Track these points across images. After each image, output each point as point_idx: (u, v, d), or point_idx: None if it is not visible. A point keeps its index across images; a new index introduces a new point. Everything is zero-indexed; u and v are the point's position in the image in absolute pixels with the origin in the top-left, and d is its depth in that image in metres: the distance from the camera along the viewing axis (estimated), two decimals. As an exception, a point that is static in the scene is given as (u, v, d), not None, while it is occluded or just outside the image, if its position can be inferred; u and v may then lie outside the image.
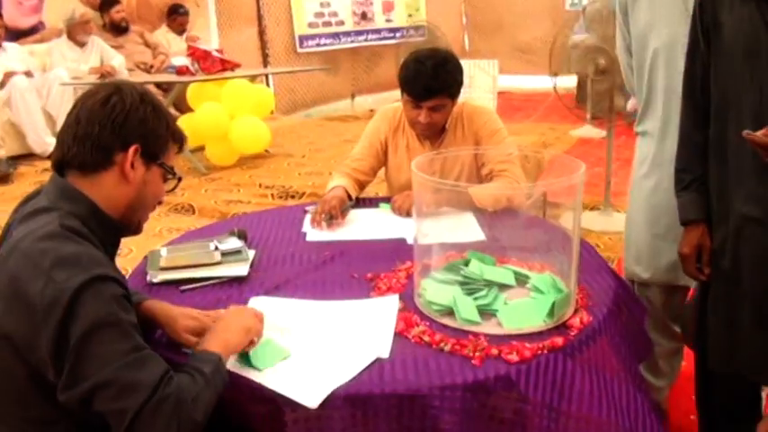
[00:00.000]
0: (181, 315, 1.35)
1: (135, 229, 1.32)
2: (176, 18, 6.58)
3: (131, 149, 1.23)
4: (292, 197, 3.44)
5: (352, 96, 8.35)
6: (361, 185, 2.40)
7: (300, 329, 1.44)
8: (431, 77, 2.10)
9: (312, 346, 1.37)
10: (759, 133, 1.41)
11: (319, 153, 4.61)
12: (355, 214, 2.18)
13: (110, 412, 1.07)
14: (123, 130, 1.23)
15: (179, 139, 1.34)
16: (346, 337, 1.41)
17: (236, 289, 1.64)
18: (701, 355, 1.75)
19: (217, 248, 1.77)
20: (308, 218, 2.18)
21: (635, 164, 2.14)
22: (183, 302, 1.50)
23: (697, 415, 1.90)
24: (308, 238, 2.01)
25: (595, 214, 4.21)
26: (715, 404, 1.81)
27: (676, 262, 1.85)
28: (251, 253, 1.82)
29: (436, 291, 1.55)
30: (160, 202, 1.36)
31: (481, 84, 3.29)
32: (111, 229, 1.26)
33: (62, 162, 1.24)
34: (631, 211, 2.12)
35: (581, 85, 6.11)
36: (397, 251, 1.88)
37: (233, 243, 1.80)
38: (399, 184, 2.40)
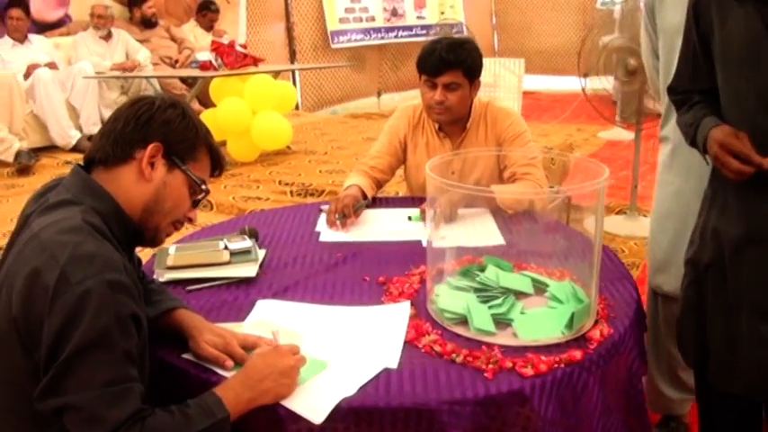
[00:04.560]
0: (208, 329, 1.30)
1: (152, 236, 1.26)
2: (207, 14, 6.58)
3: (150, 146, 1.19)
4: (311, 194, 3.39)
5: (379, 94, 8.30)
6: (379, 184, 2.35)
7: (310, 336, 1.38)
8: (445, 51, 2.07)
9: (320, 355, 1.31)
10: (765, 162, 1.35)
11: (341, 150, 4.56)
12: (372, 214, 2.12)
13: None
14: (146, 127, 1.20)
15: (215, 153, 1.29)
16: (354, 346, 1.35)
17: (243, 291, 1.60)
18: (700, 370, 1.66)
19: (226, 248, 1.72)
20: (322, 217, 2.13)
21: (658, 169, 2.06)
22: (189, 303, 1.45)
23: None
24: (322, 239, 1.95)
25: (621, 218, 4.10)
26: (716, 421, 1.72)
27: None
28: (261, 253, 1.77)
29: (450, 298, 1.48)
30: (190, 220, 1.30)
31: (507, 83, 3.23)
32: (129, 230, 1.22)
33: (90, 158, 1.23)
34: (654, 217, 2.04)
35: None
36: (412, 254, 1.82)
37: (243, 242, 1.76)
38: (418, 183, 2.35)
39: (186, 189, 1.25)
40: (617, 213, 4.19)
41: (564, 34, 9.26)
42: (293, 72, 6.87)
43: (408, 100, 8.76)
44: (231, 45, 4.53)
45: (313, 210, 2.23)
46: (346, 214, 2.01)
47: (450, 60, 2.06)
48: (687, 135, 1.57)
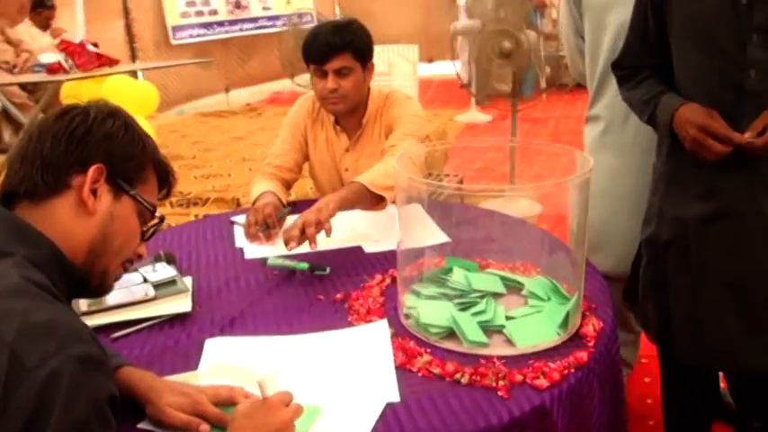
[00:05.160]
0: (168, 389, 1.05)
1: (99, 284, 0.99)
2: (42, 12, 5.86)
3: (92, 169, 0.93)
4: (195, 204, 3.09)
5: (227, 90, 7.92)
6: (289, 185, 2.14)
7: (285, 376, 1.17)
8: (330, 34, 1.90)
9: (306, 399, 1.10)
10: (747, 136, 1.33)
11: (210, 153, 4.21)
12: (290, 221, 1.91)
13: None
14: (83, 144, 0.93)
15: (162, 171, 1.03)
16: (342, 381, 1.16)
17: (181, 330, 1.34)
18: (664, 346, 1.66)
19: (146, 280, 1.45)
20: (237, 230, 1.89)
21: (586, 149, 2.04)
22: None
23: (662, 402, 1.82)
24: (247, 256, 1.72)
25: (501, 201, 4.15)
26: (679, 392, 1.74)
27: (628, 252, 1.76)
28: (187, 281, 1.52)
29: (429, 310, 1.33)
30: (140, 256, 1.04)
31: (401, 71, 3.12)
32: (72, 281, 0.94)
33: (8, 191, 0.93)
34: None
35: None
36: (356, 263, 1.65)
37: (164, 271, 1.49)
38: (323, 182, 2.16)
39: (136, 219, 0.99)
40: (495, 198, 4.24)
41: (407, 20, 9.35)
42: (135, 72, 6.33)
43: (258, 96, 8.49)
44: (82, 45, 4.03)
45: (222, 223, 1.98)
46: (270, 225, 1.79)
47: (336, 44, 1.89)
48: (643, 112, 1.53)
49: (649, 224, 1.60)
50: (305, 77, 8.16)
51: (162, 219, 1.04)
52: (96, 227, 0.94)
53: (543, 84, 5.02)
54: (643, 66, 1.54)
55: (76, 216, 0.92)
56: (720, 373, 1.80)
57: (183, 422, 1.01)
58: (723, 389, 1.93)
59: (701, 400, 1.69)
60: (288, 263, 1.55)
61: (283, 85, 8.57)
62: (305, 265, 1.52)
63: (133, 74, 4.49)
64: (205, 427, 1.01)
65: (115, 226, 0.95)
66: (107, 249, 0.95)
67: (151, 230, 1.03)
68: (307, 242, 1.60)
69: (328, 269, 1.49)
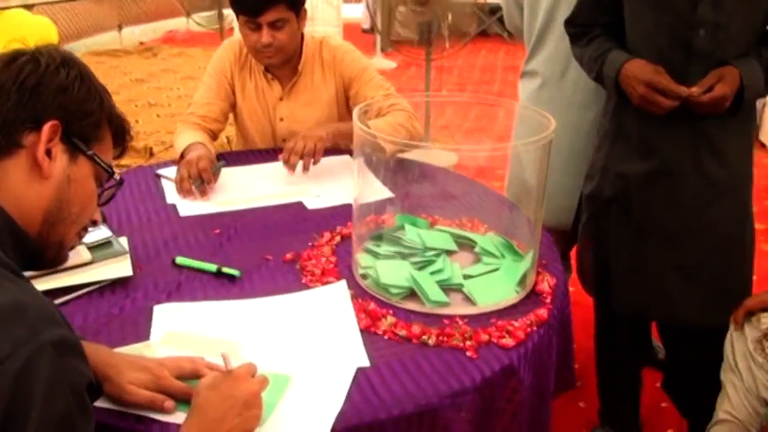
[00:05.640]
0: (126, 365, 0.96)
1: (54, 255, 0.89)
2: None
3: (47, 127, 0.81)
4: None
5: (119, 28, 7.39)
6: (215, 136, 2.03)
7: (247, 344, 1.12)
8: None
9: (273, 367, 1.06)
10: (694, 90, 1.37)
11: (115, 97, 3.92)
12: (229, 175, 1.82)
13: None
14: (34, 98, 0.81)
15: (118, 127, 0.93)
16: (307, 346, 1.13)
17: (124, 297, 1.25)
18: (602, 299, 1.73)
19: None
20: (167, 185, 1.78)
21: (520, 103, 2.05)
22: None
23: (596, 351, 1.91)
24: (183, 213, 1.62)
25: (421, 152, 4.14)
26: (613, 342, 1.83)
27: (563, 206, 1.81)
28: (123, 242, 1.41)
29: (387, 270, 1.31)
30: (95, 222, 0.93)
31: (325, 15, 2.97)
32: (27, 252, 0.83)
33: None
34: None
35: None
36: (300, 221, 1.59)
37: (98, 232, 1.38)
38: (252, 132, 2.06)
39: (93, 182, 0.89)
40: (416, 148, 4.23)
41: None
42: (31, 8, 5.76)
43: (151, 34, 7.99)
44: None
45: (147, 176, 1.86)
46: (205, 180, 1.69)
47: None
48: (591, 70, 1.54)
49: (591, 180, 1.63)
50: (204, 16, 7.75)
51: (121, 181, 0.95)
52: (52, 192, 0.83)
53: (446, 32, 4.99)
54: (595, 24, 1.55)
55: (29, 180, 0.82)
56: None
57: (147, 399, 0.95)
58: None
59: (633, 349, 1.78)
60: (195, 263, 1.36)
61: (179, 23, 8.11)
62: (213, 267, 1.34)
63: (29, 9, 4.06)
64: (170, 403, 0.96)
65: (72, 191, 0.85)
66: (64, 217, 0.86)
67: (110, 195, 0.94)
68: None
69: (239, 272, 1.32)
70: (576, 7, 1.58)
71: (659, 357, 2.04)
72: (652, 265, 1.55)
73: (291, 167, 1.76)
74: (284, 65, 1.95)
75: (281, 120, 2.00)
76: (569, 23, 1.60)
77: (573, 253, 2.10)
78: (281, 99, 1.99)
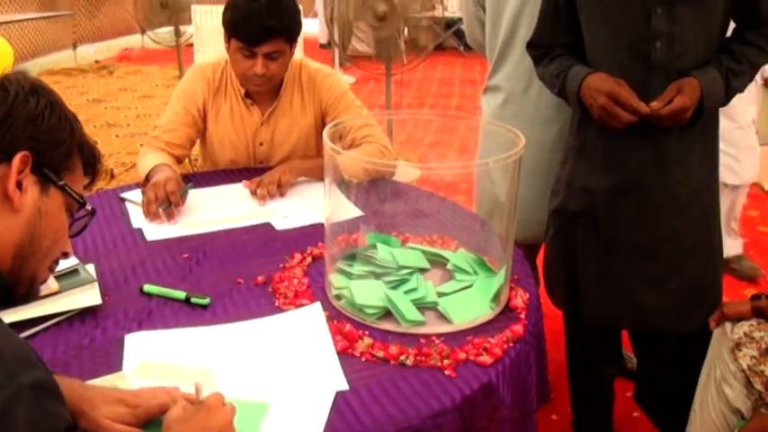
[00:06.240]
0: (101, 399, 0.93)
1: (27, 290, 0.86)
2: None
3: (17, 158, 0.79)
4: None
5: (74, 46, 7.26)
6: (179, 161, 1.99)
7: (222, 371, 1.10)
8: (266, 14, 1.75)
9: (251, 395, 1.05)
10: (653, 105, 1.40)
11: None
12: (195, 198, 1.79)
13: None
14: (4, 128, 0.79)
15: (89, 155, 0.90)
16: (284, 372, 1.11)
17: (93, 326, 1.22)
18: (572, 311, 1.75)
19: (43, 271, 1.30)
20: (132, 209, 1.74)
21: (483, 118, 2.07)
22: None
23: (567, 363, 1.93)
24: (149, 237, 1.60)
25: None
26: (584, 353, 1.85)
27: (529, 219, 1.82)
28: (90, 269, 1.38)
29: (362, 290, 1.30)
30: (66, 255, 0.91)
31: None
32: None
33: None
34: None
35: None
36: (269, 242, 1.58)
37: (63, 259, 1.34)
38: (224, 159, 2.03)
39: (64, 213, 0.87)
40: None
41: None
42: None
43: (106, 52, 7.85)
44: None
45: (110, 200, 1.82)
46: (173, 203, 1.67)
47: (273, 27, 1.75)
48: (554, 86, 1.57)
49: (557, 195, 1.66)
50: (159, 33, 7.65)
51: (93, 212, 0.93)
52: (23, 226, 0.81)
53: (404, 46, 5.02)
54: (556, 44, 1.57)
55: (1, 213, 0.79)
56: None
57: None
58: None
59: (604, 360, 1.80)
60: (164, 291, 1.34)
61: (134, 40, 8.00)
62: (182, 295, 1.31)
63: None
64: None
65: (43, 223, 0.83)
66: (35, 251, 0.83)
67: (81, 225, 0.91)
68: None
69: (208, 299, 1.30)
70: (535, 30, 1.60)
71: (629, 367, 2.06)
72: (621, 276, 1.57)
73: (261, 198, 1.78)
74: (267, 90, 1.94)
75: (261, 144, 1.98)
76: (531, 46, 1.62)
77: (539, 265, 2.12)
78: (261, 124, 1.97)
